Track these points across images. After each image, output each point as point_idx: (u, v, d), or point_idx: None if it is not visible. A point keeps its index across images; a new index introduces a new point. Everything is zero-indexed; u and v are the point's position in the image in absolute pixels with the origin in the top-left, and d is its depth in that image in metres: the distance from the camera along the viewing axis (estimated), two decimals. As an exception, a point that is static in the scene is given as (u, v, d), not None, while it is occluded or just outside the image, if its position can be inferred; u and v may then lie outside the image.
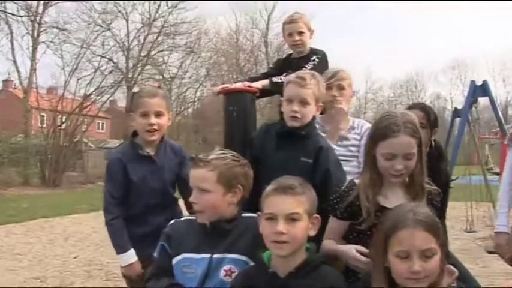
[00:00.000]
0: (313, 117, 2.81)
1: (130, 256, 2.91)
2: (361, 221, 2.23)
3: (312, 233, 2.12)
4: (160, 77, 31.91)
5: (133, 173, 2.95)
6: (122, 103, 33.71)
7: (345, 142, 3.22)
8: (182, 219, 2.51)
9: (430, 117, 3.38)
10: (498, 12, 71.82)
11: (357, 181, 2.34)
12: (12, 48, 25.48)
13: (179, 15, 30.45)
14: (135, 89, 3.20)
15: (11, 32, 25.30)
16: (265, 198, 2.10)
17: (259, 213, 2.12)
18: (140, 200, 2.97)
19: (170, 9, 29.95)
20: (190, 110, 38.58)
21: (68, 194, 19.82)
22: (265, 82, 3.51)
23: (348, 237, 2.34)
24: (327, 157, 2.74)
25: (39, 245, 8.78)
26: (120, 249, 2.93)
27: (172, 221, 2.44)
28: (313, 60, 3.58)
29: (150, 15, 30.31)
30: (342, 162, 2.90)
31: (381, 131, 2.23)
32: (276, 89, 3.45)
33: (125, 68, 30.14)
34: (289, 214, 2.03)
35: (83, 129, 26.49)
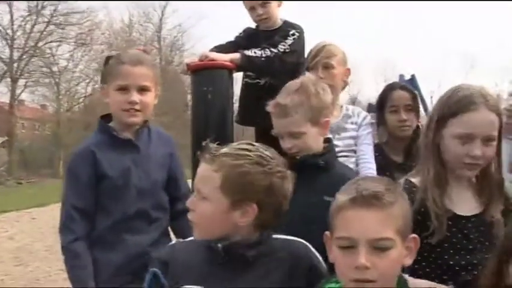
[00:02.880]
0: (330, 141, 2.19)
1: None
2: (431, 232, 1.71)
3: (408, 261, 1.46)
4: (48, 69, 29.91)
5: (108, 165, 2.15)
6: (5, 98, 30.89)
7: (343, 134, 2.75)
8: (188, 239, 1.76)
9: (415, 98, 2.95)
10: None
11: (414, 180, 1.82)
12: None
13: (70, 4, 28.67)
14: (112, 52, 2.39)
15: None
16: (336, 212, 1.42)
17: (327, 233, 1.48)
18: (116, 206, 2.16)
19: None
20: (81, 105, 36.57)
21: None
22: (236, 56, 2.82)
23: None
24: None
25: None
26: (78, 285, 2.10)
27: (173, 242, 1.76)
28: (293, 34, 3.01)
29: (37, 2, 28.18)
30: (342, 159, 2.45)
31: (453, 105, 1.73)
32: (249, 65, 2.86)
33: (8, 58, 27.73)
34: (375, 240, 1.35)
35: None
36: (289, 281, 1.57)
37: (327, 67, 2.78)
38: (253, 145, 1.62)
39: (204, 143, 1.62)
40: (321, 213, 1.76)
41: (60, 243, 2.15)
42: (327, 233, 1.47)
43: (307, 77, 2.35)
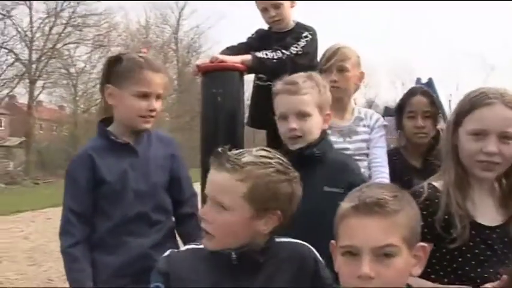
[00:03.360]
0: (325, 132, 2.17)
1: None
2: (454, 238, 1.63)
3: (417, 271, 1.42)
4: (66, 71, 30.20)
5: (107, 170, 2.13)
6: (23, 99, 31.29)
7: (355, 137, 2.68)
8: (184, 248, 1.70)
9: (435, 103, 2.88)
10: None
11: (436, 184, 1.75)
12: None
13: (88, 6, 28.92)
14: (120, 53, 2.27)
15: None
16: (340, 220, 1.38)
17: (333, 242, 1.43)
18: (115, 209, 2.13)
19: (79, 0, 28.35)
20: (98, 106, 36.99)
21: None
22: (247, 58, 2.77)
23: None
24: (361, 180, 2.03)
25: None
26: (76, 285, 2.07)
27: (168, 252, 1.66)
28: (306, 36, 2.96)
29: (56, 4, 28.47)
30: None
31: (468, 103, 1.68)
32: (260, 67, 2.81)
33: (27, 60, 28.02)
34: (379, 248, 1.31)
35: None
36: (296, 282, 1.55)
37: (342, 70, 2.71)
38: (271, 152, 1.59)
39: (218, 149, 1.56)
40: (322, 205, 1.79)
41: (61, 243, 2.12)
42: (333, 242, 1.42)
43: (311, 73, 2.32)
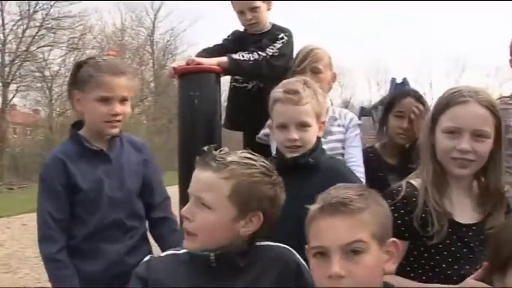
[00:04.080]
0: (319, 140, 2.17)
1: None
2: (431, 235, 1.66)
3: (391, 267, 1.42)
4: (40, 74, 29.69)
5: (81, 177, 2.12)
6: (-5, 102, 30.65)
7: (329, 137, 2.70)
8: (163, 254, 1.70)
9: (425, 105, 2.92)
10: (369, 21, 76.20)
11: (414, 182, 1.77)
12: None
13: (62, 8, 28.46)
14: (84, 58, 2.31)
15: None
16: (309, 223, 1.42)
17: (306, 246, 1.45)
18: (91, 217, 2.14)
19: (52, 2, 27.87)
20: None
21: None
22: (223, 60, 2.79)
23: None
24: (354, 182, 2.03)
25: None
26: None
27: (147, 258, 1.67)
28: (282, 38, 2.97)
29: (29, 6, 27.98)
30: None
31: (443, 101, 1.71)
32: (236, 69, 2.82)
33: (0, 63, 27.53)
34: (346, 245, 1.33)
35: None
36: (280, 282, 1.56)
37: (315, 72, 2.74)
38: (255, 155, 1.60)
39: (204, 149, 1.57)
40: None
41: (42, 250, 2.10)
42: (307, 246, 1.43)
43: (305, 78, 2.33)
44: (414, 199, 1.71)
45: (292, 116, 2.06)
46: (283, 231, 1.64)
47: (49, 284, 2.15)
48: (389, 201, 1.64)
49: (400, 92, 3.03)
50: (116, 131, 2.18)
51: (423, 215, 1.69)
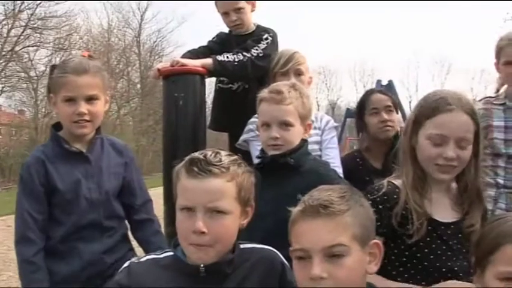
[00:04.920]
0: (303, 142, 2.20)
1: None
2: (411, 233, 1.71)
3: (373, 268, 1.45)
4: (25, 74, 29.45)
5: (59, 178, 2.12)
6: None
7: None
8: (143, 259, 1.67)
9: (394, 101, 2.99)
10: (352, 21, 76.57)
11: (395, 182, 1.82)
12: None
13: (48, 8, 28.25)
14: (57, 61, 2.34)
15: None
16: (291, 226, 1.43)
17: (291, 248, 1.45)
18: (68, 217, 2.13)
19: (38, 1, 27.64)
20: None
21: None
22: (208, 61, 2.82)
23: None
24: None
25: None
26: None
27: (127, 264, 1.64)
28: (266, 38, 3.00)
29: (14, 6, 27.74)
30: None
31: (428, 107, 1.75)
32: (221, 70, 2.83)
33: (-16, 63, 27.23)
34: (327, 248, 1.34)
35: None
36: (265, 284, 1.58)
37: (299, 74, 2.77)
38: (225, 150, 1.64)
39: (193, 157, 1.56)
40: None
41: (18, 251, 2.10)
42: (291, 248, 1.45)
43: (294, 81, 2.39)
44: (395, 196, 1.76)
45: (275, 114, 2.10)
46: (261, 229, 1.70)
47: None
48: (369, 196, 1.70)
49: (365, 93, 3.10)
50: (85, 130, 2.16)
51: (403, 212, 1.74)
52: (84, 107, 2.11)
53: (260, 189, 1.85)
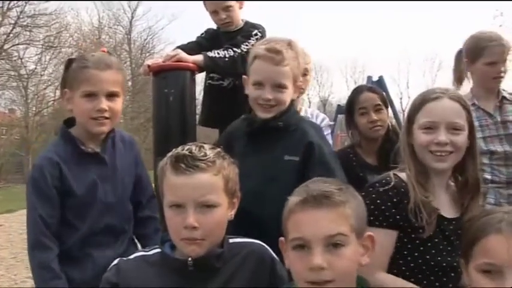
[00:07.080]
0: (292, 102, 2.20)
1: None
2: (421, 227, 1.74)
3: (365, 260, 1.45)
4: (15, 73, 29.20)
5: (75, 181, 2.04)
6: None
7: None
8: (132, 256, 1.68)
9: (384, 98, 2.98)
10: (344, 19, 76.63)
11: (400, 175, 1.84)
12: None
13: (38, 5, 28.02)
14: (74, 55, 2.29)
15: None
16: (288, 215, 1.42)
17: (282, 239, 1.46)
18: (83, 222, 2.06)
19: (27, -1, 27.40)
20: (50, 109, 35.89)
21: None
22: (199, 58, 2.82)
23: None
24: (322, 154, 2.05)
25: None
26: None
27: (116, 261, 1.65)
28: (256, 34, 3.00)
29: (2, 3, 27.49)
30: None
31: (417, 101, 1.80)
32: (212, 66, 2.84)
33: (-27, 61, 27.02)
34: (328, 238, 1.35)
35: None
36: (255, 282, 1.58)
37: (305, 74, 2.78)
38: (207, 143, 1.66)
39: (179, 153, 1.57)
40: (280, 171, 1.94)
41: (34, 257, 2.02)
42: (282, 239, 1.45)
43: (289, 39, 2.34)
44: (402, 190, 1.79)
45: (271, 76, 2.07)
46: (247, 189, 1.71)
47: (24, 285, 2.12)
48: (380, 188, 1.74)
49: (355, 91, 3.09)
50: (103, 128, 2.08)
51: (412, 207, 1.76)
52: (105, 103, 2.04)
53: (248, 152, 1.96)
